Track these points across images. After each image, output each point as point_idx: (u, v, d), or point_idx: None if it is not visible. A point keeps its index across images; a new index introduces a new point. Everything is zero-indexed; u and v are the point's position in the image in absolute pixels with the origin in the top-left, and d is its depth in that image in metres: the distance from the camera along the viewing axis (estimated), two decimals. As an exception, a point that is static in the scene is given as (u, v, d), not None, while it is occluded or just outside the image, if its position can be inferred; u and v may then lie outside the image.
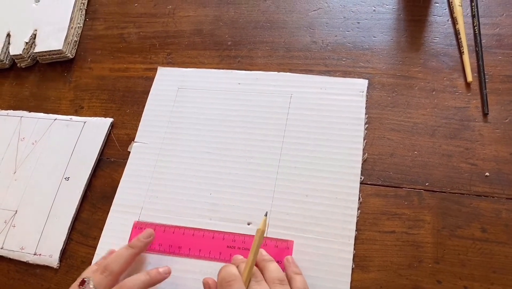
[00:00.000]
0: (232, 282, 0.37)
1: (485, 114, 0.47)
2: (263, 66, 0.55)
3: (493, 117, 0.46)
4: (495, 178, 0.44)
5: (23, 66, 0.63)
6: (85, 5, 0.65)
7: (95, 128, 0.55)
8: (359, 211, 0.45)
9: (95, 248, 0.48)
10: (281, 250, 0.44)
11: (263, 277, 0.40)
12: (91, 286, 0.40)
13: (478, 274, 0.40)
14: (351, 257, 0.43)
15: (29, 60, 0.63)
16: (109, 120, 0.56)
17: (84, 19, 0.64)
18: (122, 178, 0.52)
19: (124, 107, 0.57)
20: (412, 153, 0.47)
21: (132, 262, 0.44)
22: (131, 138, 0.54)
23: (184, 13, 0.62)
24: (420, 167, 0.46)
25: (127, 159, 0.53)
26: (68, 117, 0.57)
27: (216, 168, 0.50)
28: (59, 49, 0.60)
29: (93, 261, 0.47)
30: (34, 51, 0.61)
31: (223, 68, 0.56)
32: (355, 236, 0.44)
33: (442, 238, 0.42)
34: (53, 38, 0.61)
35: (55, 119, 0.57)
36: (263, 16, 0.59)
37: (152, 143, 0.53)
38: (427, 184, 0.45)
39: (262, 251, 0.43)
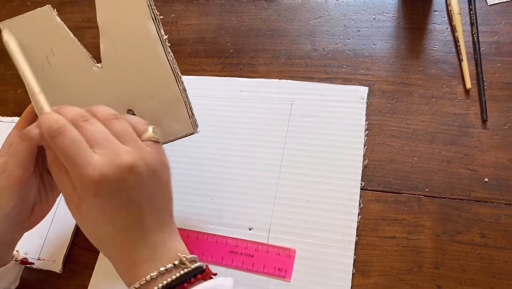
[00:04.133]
0: (63, 127, 0.32)
1: (484, 121, 0.47)
2: (265, 73, 0.56)
3: (492, 124, 0.47)
4: (494, 183, 0.44)
5: None
6: (167, 41, 0.40)
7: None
8: (359, 216, 0.45)
9: (99, 253, 0.49)
10: (283, 257, 0.44)
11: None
12: None
13: (478, 279, 0.41)
14: (352, 262, 0.43)
15: None
16: (113, 127, 0.56)
17: (178, 65, 0.41)
18: (125, 184, 0.52)
19: (128, 114, 0.58)
20: (412, 159, 0.47)
21: (33, 158, 0.37)
22: (134, 145, 0.55)
23: (187, 22, 0.63)
24: (420, 172, 0.46)
25: (130, 165, 0.53)
26: (73, 124, 0.57)
27: (218, 174, 0.50)
28: (191, 132, 0.41)
29: (96, 267, 0.48)
30: None
31: (225, 76, 0.57)
32: (356, 241, 0.44)
33: (442, 243, 0.42)
34: (171, 119, 0.40)
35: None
36: (264, 24, 0.60)
37: (155, 150, 0.53)
38: (427, 189, 0.45)
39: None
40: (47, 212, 0.44)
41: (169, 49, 0.40)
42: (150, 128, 0.35)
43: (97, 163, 0.31)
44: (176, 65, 0.40)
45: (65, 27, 0.41)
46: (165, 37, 0.40)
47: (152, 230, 0.33)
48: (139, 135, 0.35)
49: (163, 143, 0.40)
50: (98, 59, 0.41)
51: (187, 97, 0.40)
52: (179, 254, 0.33)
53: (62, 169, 0.33)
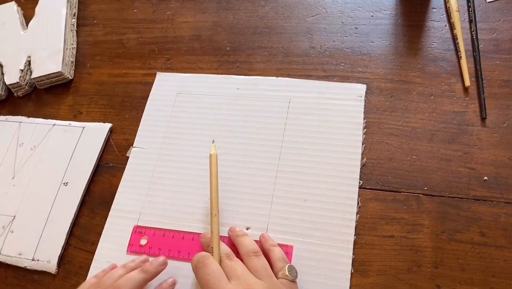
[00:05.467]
0: (207, 260, 0.39)
1: (483, 119, 0.47)
2: (262, 71, 0.55)
3: (491, 122, 0.47)
4: (493, 182, 0.44)
5: (21, 95, 0.61)
6: (75, 26, 0.65)
7: (94, 134, 0.56)
8: (358, 215, 0.45)
9: (94, 253, 0.48)
10: (280, 255, 0.44)
11: (239, 251, 0.42)
12: None
13: (478, 279, 0.40)
14: (350, 261, 0.42)
15: (26, 87, 0.61)
16: (108, 125, 0.56)
17: (76, 40, 0.64)
18: (120, 183, 0.52)
19: (123, 112, 0.57)
20: (410, 157, 0.47)
21: (143, 287, 0.43)
22: (130, 144, 0.54)
23: (183, 19, 0.63)
24: (419, 171, 0.46)
25: (125, 164, 0.53)
26: (67, 122, 0.57)
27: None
28: (59, 71, 0.59)
29: (91, 268, 0.47)
30: (32, 77, 0.60)
31: (221, 74, 0.56)
32: (354, 241, 0.43)
33: (441, 242, 0.42)
34: (50, 62, 0.60)
35: (54, 125, 0.57)
36: (261, 21, 0.59)
37: (150, 149, 0.53)
38: (425, 188, 0.45)
39: (236, 228, 0.45)
40: None
41: (73, 28, 0.65)
42: (286, 267, 0.39)
43: None
44: (73, 38, 0.64)
45: (17, 9, 0.67)
46: (75, 15, 0.66)
47: None
48: (276, 272, 0.39)
49: (44, 81, 0.60)
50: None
51: (70, 55, 0.62)
52: None
53: None
